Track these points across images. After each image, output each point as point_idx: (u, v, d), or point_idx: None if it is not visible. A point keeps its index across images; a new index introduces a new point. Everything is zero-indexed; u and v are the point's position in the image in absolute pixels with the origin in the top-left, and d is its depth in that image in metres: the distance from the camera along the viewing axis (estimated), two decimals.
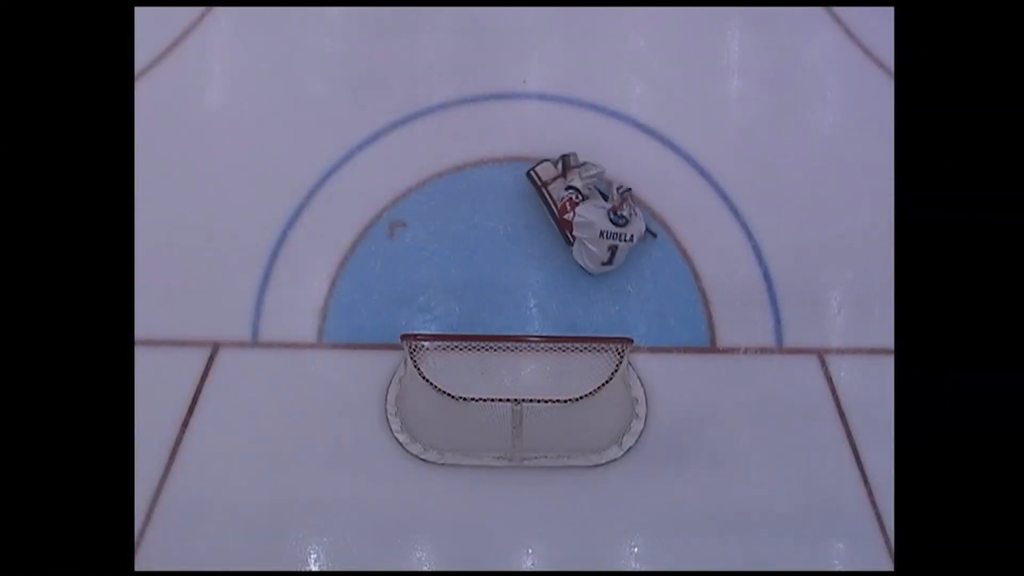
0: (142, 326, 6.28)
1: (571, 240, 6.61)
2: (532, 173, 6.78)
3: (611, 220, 6.43)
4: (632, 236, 6.47)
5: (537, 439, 6.09)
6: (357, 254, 6.78)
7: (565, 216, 6.54)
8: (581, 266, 6.64)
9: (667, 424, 6.43)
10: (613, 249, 6.47)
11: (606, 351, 5.87)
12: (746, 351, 6.62)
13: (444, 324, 6.62)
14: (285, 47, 7.21)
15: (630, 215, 6.49)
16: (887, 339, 6.42)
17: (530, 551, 6.25)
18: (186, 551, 6.16)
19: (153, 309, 6.48)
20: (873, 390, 6.41)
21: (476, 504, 6.28)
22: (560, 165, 6.77)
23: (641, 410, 6.44)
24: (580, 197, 6.58)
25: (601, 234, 6.43)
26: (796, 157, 6.98)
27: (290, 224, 6.82)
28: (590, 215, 6.47)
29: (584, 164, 6.73)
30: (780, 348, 6.63)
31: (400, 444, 6.36)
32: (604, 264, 6.55)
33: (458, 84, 7.12)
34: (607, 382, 5.75)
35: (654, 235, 6.69)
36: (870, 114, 6.98)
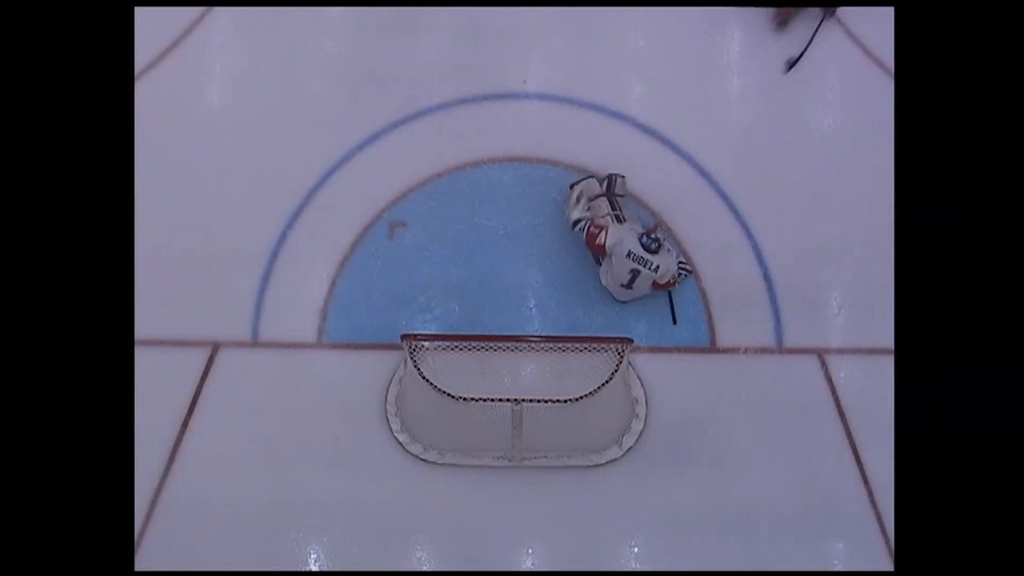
0: (142, 326, 6.27)
1: (599, 260, 6.58)
2: (576, 187, 6.72)
3: (641, 243, 6.32)
4: (657, 267, 6.33)
5: (537, 439, 6.09)
6: (357, 254, 6.78)
7: (597, 242, 6.44)
8: (606, 288, 6.60)
9: (667, 424, 6.43)
10: (635, 273, 6.36)
11: (606, 351, 5.87)
12: (746, 351, 6.62)
13: (444, 324, 6.62)
14: (285, 47, 7.21)
15: (663, 241, 6.39)
16: (887, 339, 6.42)
17: (530, 551, 6.25)
18: (186, 551, 6.16)
19: (153, 309, 6.48)
20: (873, 390, 6.41)
21: (476, 504, 6.28)
22: (605, 184, 6.70)
23: (641, 410, 6.44)
24: (605, 218, 6.52)
25: (628, 254, 6.32)
26: (796, 157, 6.97)
27: (290, 224, 6.81)
28: (622, 234, 6.40)
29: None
30: (780, 348, 6.63)
31: (400, 444, 6.37)
32: (623, 287, 6.47)
33: (458, 84, 7.11)
34: (607, 382, 5.75)
35: (688, 272, 6.67)
36: (870, 114, 6.97)
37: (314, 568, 6.20)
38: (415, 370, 5.76)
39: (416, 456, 6.34)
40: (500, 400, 5.79)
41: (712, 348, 6.63)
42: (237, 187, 6.88)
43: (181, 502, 6.26)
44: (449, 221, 6.85)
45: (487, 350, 6.08)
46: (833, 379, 6.55)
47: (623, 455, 6.36)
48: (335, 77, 7.16)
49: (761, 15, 7.29)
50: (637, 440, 6.38)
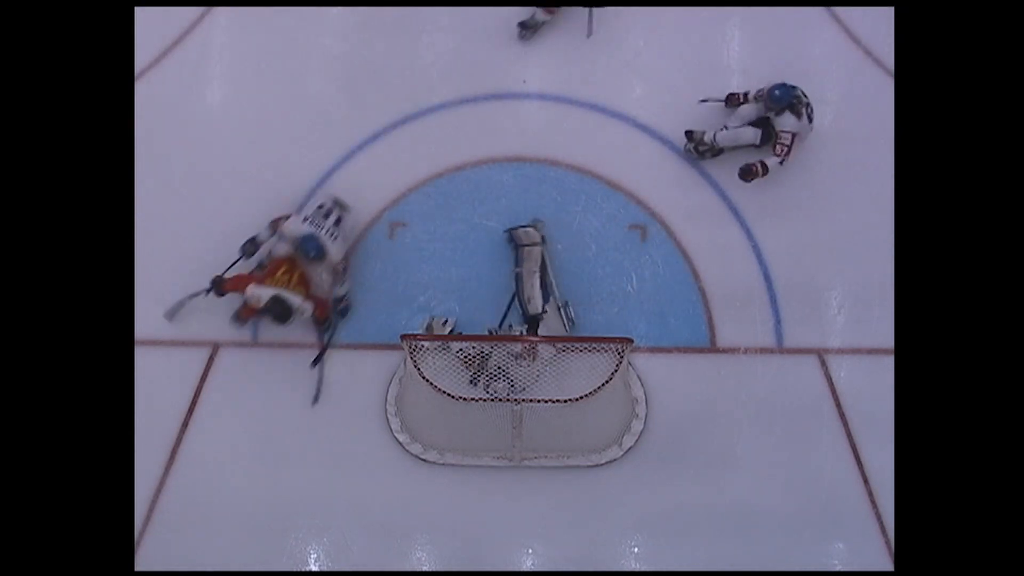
0: (142, 326, 6.27)
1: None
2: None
3: None
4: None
5: (537, 439, 6.09)
6: (357, 254, 6.78)
7: None
8: None
9: (667, 424, 6.44)
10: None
11: (606, 351, 5.87)
12: (746, 351, 6.62)
13: None
14: (285, 47, 7.21)
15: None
16: (887, 339, 6.42)
17: (530, 551, 6.25)
18: (186, 551, 6.16)
19: (153, 309, 6.48)
20: (873, 390, 6.41)
21: (476, 504, 6.28)
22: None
23: (641, 410, 6.44)
24: None
25: None
26: (796, 157, 6.96)
27: None
28: None
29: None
30: (780, 348, 6.62)
31: (400, 444, 6.37)
32: None
33: (458, 84, 7.11)
34: (607, 382, 5.74)
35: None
36: (870, 114, 6.97)
37: (314, 568, 6.20)
38: (415, 370, 5.76)
39: (416, 456, 6.34)
40: (500, 400, 5.78)
41: (712, 348, 6.63)
42: (237, 187, 6.87)
43: (181, 502, 6.26)
44: (449, 221, 6.85)
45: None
46: (833, 379, 6.55)
47: (623, 455, 6.36)
48: (335, 77, 7.16)
49: (760, 13, 7.29)
50: (637, 440, 6.38)
